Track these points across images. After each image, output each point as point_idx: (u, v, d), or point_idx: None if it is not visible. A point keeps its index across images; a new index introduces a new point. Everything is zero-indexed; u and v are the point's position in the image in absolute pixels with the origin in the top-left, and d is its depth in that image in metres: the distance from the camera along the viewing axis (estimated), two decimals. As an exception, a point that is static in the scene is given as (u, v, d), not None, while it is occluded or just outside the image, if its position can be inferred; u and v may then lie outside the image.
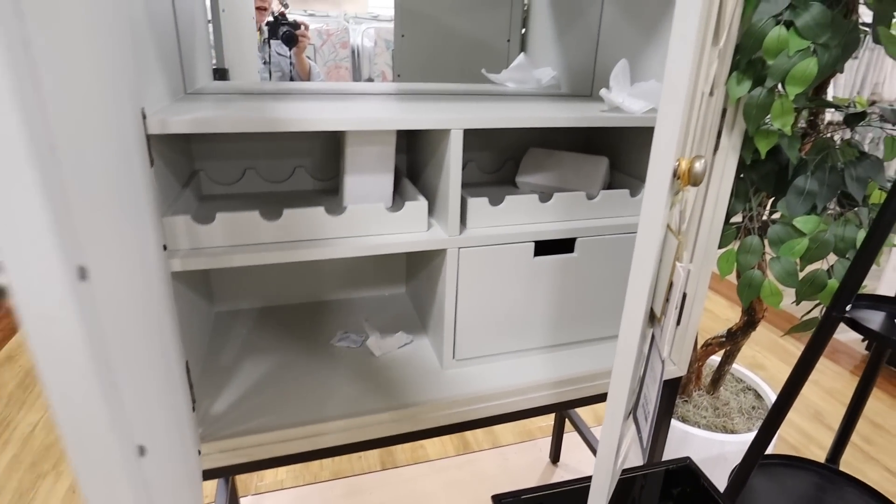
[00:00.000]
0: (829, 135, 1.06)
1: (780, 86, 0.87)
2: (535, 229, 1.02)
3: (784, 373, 2.39)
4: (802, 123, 1.12)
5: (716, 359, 1.62)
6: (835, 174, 0.98)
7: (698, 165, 0.57)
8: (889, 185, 1.00)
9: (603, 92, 0.98)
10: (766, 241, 1.04)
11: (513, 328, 1.08)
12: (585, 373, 1.07)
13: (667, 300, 0.70)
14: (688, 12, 0.51)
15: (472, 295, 1.01)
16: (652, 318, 0.74)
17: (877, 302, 0.91)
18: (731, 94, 0.92)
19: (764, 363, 2.51)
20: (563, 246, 1.06)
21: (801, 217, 0.97)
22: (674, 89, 0.53)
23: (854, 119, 1.02)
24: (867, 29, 0.87)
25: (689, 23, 0.51)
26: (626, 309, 0.62)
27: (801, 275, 1.00)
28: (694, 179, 0.58)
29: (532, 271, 1.05)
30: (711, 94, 0.95)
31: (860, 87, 4.14)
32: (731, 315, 2.94)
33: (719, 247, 1.06)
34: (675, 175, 0.57)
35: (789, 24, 0.85)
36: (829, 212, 1.01)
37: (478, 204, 0.97)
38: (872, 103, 1.20)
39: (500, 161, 1.30)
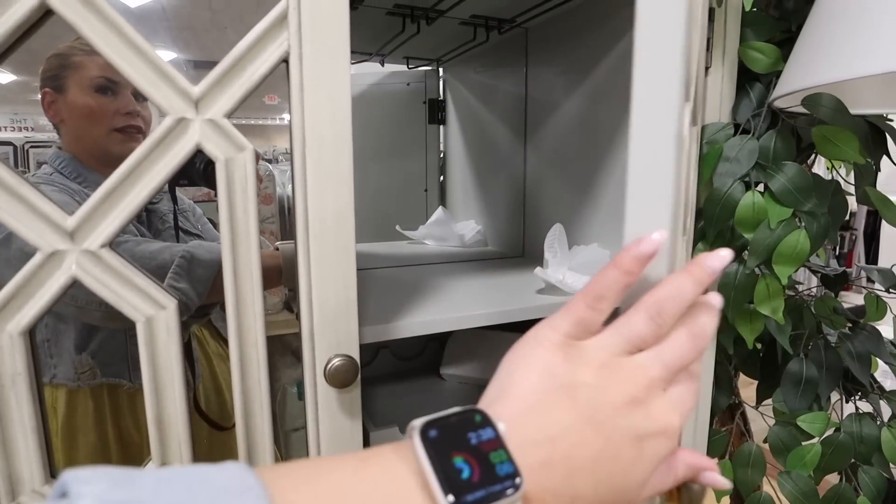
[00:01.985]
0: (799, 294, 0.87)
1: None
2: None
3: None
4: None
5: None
6: (832, 353, 0.78)
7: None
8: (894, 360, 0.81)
9: (538, 271, 0.77)
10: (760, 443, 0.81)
11: None
12: None
13: None
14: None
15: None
16: None
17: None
18: (700, 271, 0.72)
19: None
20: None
21: (805, 415, 0.75)
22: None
23: (836, 282, 0.84)
24: (850, 189, 0.71)
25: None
26: None
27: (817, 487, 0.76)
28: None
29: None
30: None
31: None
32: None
33: (708, 456, 0.82)
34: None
35: (759, 185, 0.68)
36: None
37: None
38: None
39: (421, 343, 1.05)
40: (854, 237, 3.85)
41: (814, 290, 0.90)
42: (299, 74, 0.51)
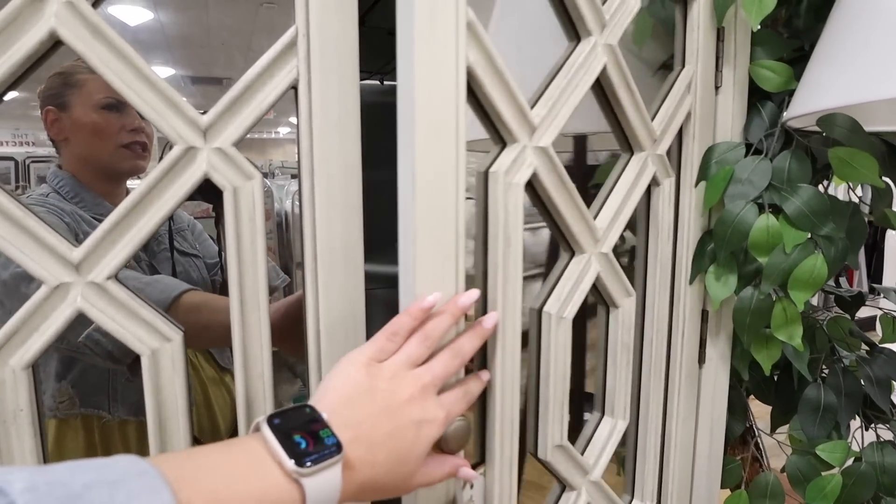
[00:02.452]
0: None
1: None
2: None
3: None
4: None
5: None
6: (850, 378, 0.77)
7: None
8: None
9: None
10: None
11: None
12: None
13: None
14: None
15: None
16: None
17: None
18: (713, 296, 0.71)
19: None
20: None
21: (824, 444, 0.73)
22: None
23: (852, 304, 0.83)
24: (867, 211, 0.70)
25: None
26: None
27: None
28: None
29: None
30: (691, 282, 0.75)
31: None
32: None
33: (722, 486, 0.80)
34: None
35: (774, 209, 0.66)
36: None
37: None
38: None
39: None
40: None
41: (824, 308, 0.89)
42: (308, 102, 0.50)
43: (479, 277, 0.54)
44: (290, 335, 0.49)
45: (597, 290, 0.66)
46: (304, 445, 0.34)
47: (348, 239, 0.53)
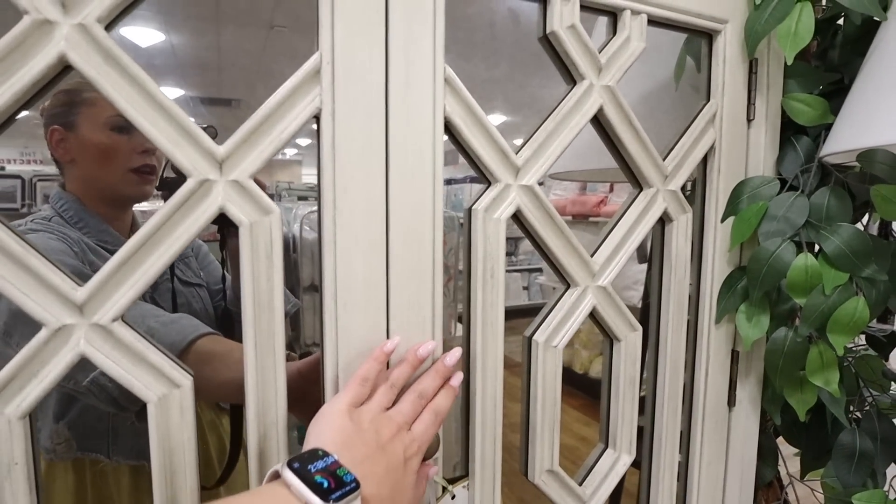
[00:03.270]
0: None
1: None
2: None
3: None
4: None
5: None
6: (887, 423, 0.73)
7: None
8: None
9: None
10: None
11: None
12: None
13: None
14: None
15: None
16: None
17: None
18: (745, 337, 0.67)
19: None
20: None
21: (860, 493, 0.69)
22: None
23: (887, 345, 0.79)
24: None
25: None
26: None
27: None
28: None
29: None
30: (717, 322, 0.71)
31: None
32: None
33: (754, 535, 0.76)
34: None
35: (810, 247, 0.63)
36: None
37: None
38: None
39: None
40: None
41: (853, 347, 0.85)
42: (331, 132, 0.48)
43: (465, 305, 0.58)
44: (303, 400, 0.46)
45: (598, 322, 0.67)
46: (326, 485, 0.37)
47: (370, 277, 0.50)
